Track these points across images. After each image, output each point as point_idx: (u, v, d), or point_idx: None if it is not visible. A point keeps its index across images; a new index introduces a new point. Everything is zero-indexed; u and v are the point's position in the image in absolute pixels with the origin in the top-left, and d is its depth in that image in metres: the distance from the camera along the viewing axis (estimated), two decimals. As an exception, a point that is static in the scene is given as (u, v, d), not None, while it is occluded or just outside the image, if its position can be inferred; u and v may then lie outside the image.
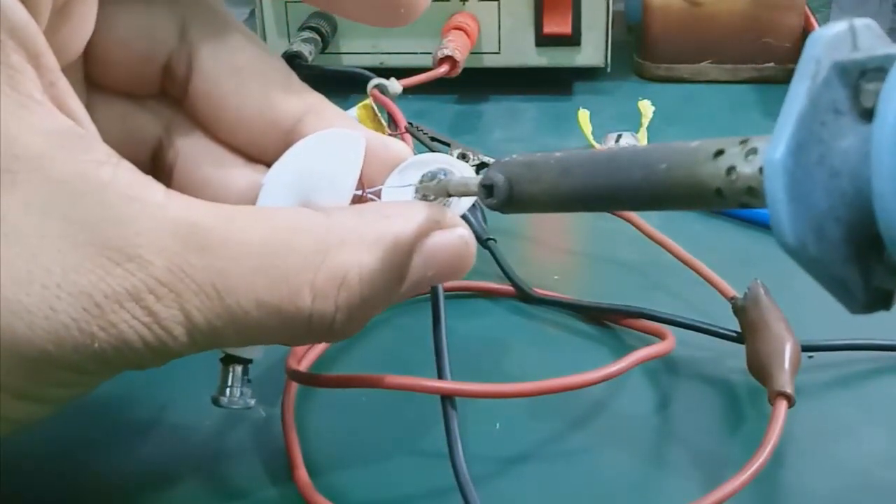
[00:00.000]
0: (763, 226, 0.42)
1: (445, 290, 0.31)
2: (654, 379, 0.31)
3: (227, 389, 0.25)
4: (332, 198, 0.24)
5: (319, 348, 0.32)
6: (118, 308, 0.20)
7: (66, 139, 0.20)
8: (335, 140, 0.25)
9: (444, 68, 0.51)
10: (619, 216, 0.38)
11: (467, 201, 0.25)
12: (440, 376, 0.28)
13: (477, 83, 0.56)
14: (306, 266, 0.21)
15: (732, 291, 0.33)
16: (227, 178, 0.26)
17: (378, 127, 0.41)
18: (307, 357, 0.32)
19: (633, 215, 0.38)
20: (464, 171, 0.25)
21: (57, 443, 0.29)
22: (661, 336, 0.32)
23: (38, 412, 0.22)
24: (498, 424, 0.29)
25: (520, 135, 0.53)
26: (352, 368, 0.32)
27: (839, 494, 0.27)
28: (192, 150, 0.27)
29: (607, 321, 0.35)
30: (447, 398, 0.27)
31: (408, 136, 0.39)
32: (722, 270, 0.34)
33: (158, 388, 0.31)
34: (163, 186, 0.21)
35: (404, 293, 0.24)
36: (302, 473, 0.27)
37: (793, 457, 0.28)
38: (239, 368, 0.25)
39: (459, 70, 0.52)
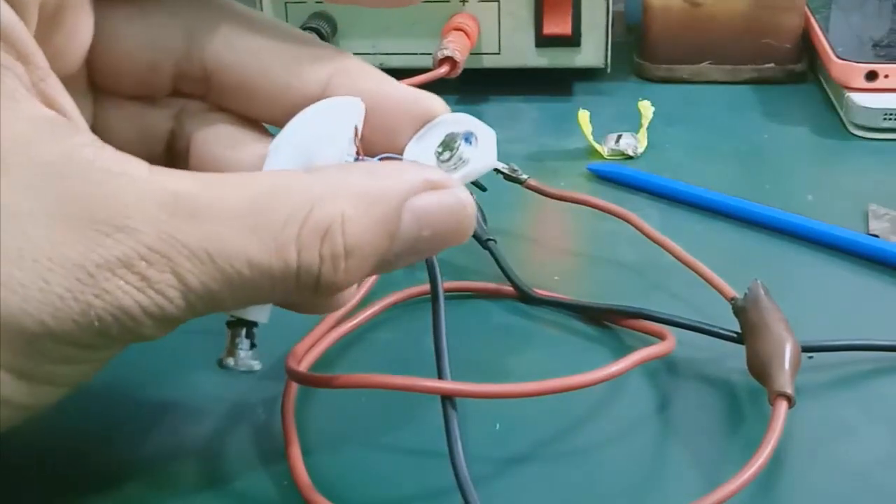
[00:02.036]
0: (763, 226, 0.42)
1: (445, 290, 0.31)
2: (654, 379, 0.31)
3: (233, 352, 0.25)
4: (329, 162, 0.24)
5: (320, 348, 0.32)
6: (111, 276, 0.20)
7: (52, 126, 0.21)
8: (335, 106, 0.25)
9: (444, 69, 0.51)
10: (619, 216, 0.38)
11: (477, 167, 0.25)
12: (440, 376, 0.28)
13: (477, 84, 0.56)
14: (291, 221, 0.22)
15: (732, 292, 0.33)
16: (243, 155, 0.27)
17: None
18: (307, 357, 0.32)
19: (633, 216, 0.38)
20: (486, 136, 0.25)
21: (56, 442, 0.29)
22: (661, 337, 0.32)
23: (44, 396, 0.22)
24: (498, 424, 0.29)
25: (520, 135, 0.53)
26: (352, 368, 0.32)
27: (839, 495, 0.27)
28: (204, 134, 0.27)
29: (607, 321, 0.35)
30: (447, 398, 0.27)
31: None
32: (722, 271, 0.34)
33: (158, 387, 0.31)
34: (146, 163, 0.22)
35: (400, 254, 0.23)
36: (302, 473, 0.27)
37: (793, 457, 0.28)
38: (245, 331, 0.25)
39: (459, 71, 0.52)
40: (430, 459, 0.28)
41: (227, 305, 0.22)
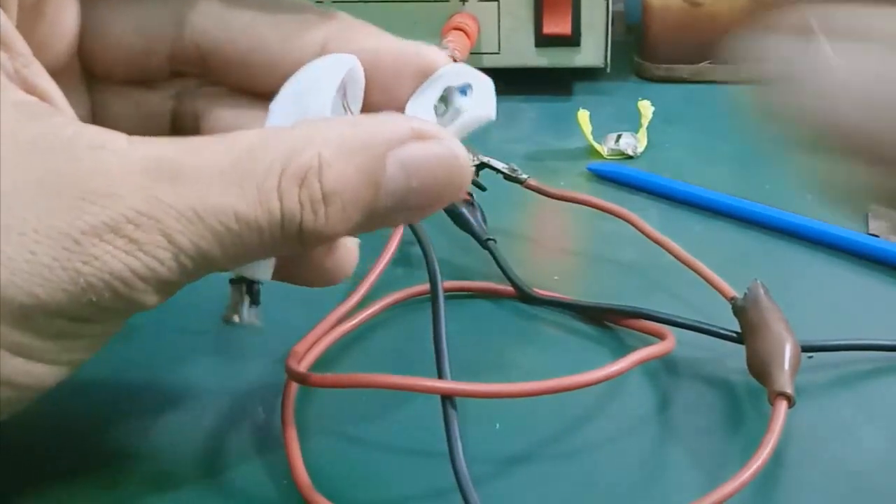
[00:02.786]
0: (763, 226, 0.42)
1: (445, 290, 0.31)
2: (654, 379, 0.31)
3: (237, 309, 0.25)
4: (316, 116, 0.24)
5: (320, 348, 0.32)
6: (98, 241, 0.21)
7: (32, 109, 0.22)
8: (324, 63, 0.25)
9: (444, 69, 0.51)
10: (619, 216, 0.38)
11: (472, 118, 0.25)
12: (440, 376, 0.28)
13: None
14: (272, 171, 0.22)
15: (732, 292, 0.33)
16: (246, 124, 0.27)
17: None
18: (307, 357, 0.31)
19: (633, 215, 0.38)
20: (483, 85, 0.25)
21: (56, 441, 0.29)
22: (660, 336, 0.32)
23: (43, 376, 0.22)
24: (498, 424, 0.29)
25: (520, 135, 0.53)
26: (352, 368, 0.32)
27: (839, 495, 0.27)
28: (207, 107, 0.28)
29: (607, 321, 0.35)
30: (447, 398, 0.27)
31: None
32: (722, 271, 0.34)
33: (158, 387, 0.31)
34: (125, 135, 0.22)
35: (391, 208, 0.23)
36: (302, 473, 0.27)
37: (792, 457, 0.28)
38: (246, 289, 0.25)
39: (459, 70, 0.52)
40: (430, 459, 0.28)
41: (219, 264, 0.22)
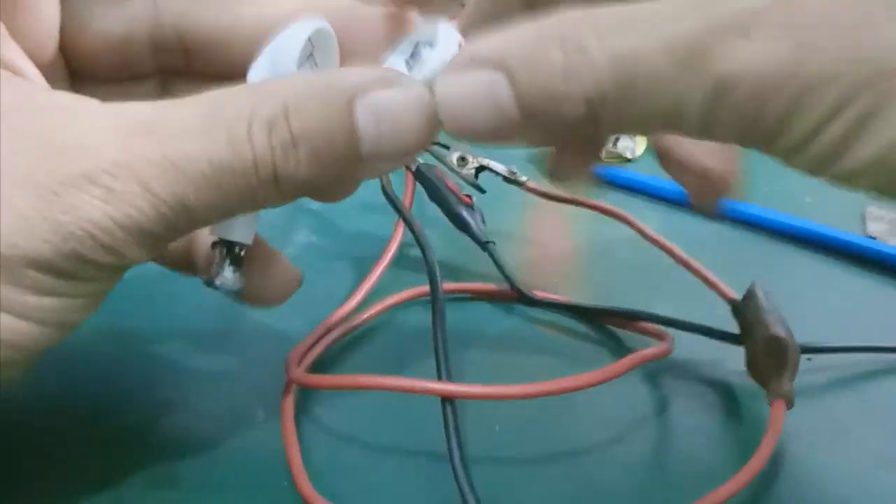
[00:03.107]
0: (762, 227, 0.42)
1: (445, 291, 0.31)
2: (654, 381, 0.31)
3: (218, 272, 0.25)
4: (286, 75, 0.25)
5: (319, 349, 0.32)
6: (75, 191, 0.21)
7: (7, 81, 0.23)
8: (298, 25, 0.26)
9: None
10: (617, 218, 0.38)
11: (434, 65, 0.25)
12: (440, 377, 0.28)
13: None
14: (241, 119, 0.22)
15: (731, 293, 0.33)
16: None
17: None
18: (307, 358, 0.32)
19: (631, 217, 0.38)
20: (447, 35, 0.25)
21: (56, 441, 0.29)
22: (660, 338, 0.32)
23: (31, 336, 0.22)
24: (497, 426, 0.29)
25: (519, 137, 0.53)
26: (351, 369, 0.32)
27: (838, 496, 0.27)
28: (193, 91, 0.28)
29: (606, 323, 0.35)
30: (447, 399, 0.27)
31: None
32: (721, 272, 0.34)
33: (158, 388, 0.31)
34: (97, 100, 0.23)
35: (368, 154, 0.23)
36: (302, 473, 0.27)
37: (791, 458, 0.28)
38: (226, 251, 0.25)
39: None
40: (430, 460, 0.28)
41: (199, 215, 0.22)
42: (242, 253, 0.26)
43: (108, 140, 0.22)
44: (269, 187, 0.22)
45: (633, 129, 0.25)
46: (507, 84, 0.21)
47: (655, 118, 0.21)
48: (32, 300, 0.22)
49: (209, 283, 0.26)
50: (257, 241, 0.27)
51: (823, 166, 0.20)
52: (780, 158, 0.21)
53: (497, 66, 0.21)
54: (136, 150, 0.21)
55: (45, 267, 0.21)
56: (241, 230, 0.25)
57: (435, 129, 0.23)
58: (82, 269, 0.22)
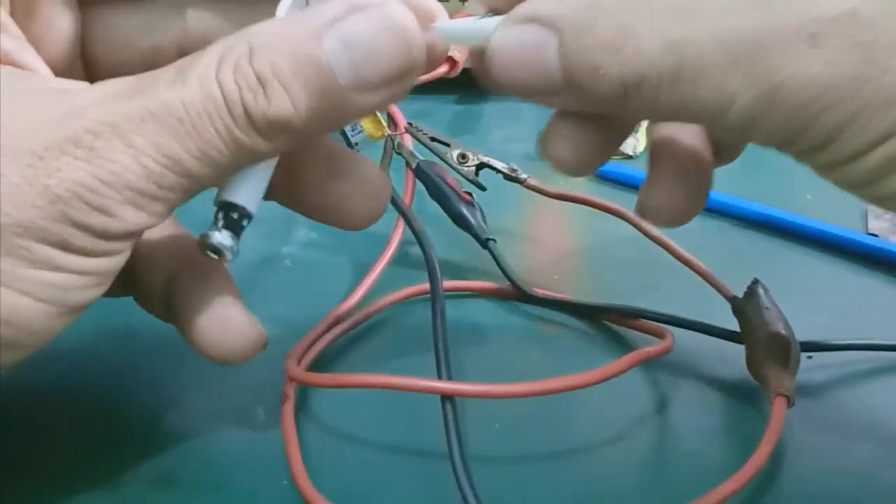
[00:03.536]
0: (763, 226, 0.42)
1: (445, 289, 0.31)
2: (654, 379, 0.31)
3: (212, 229, 0.25)
4: None
5: (319, 348, 0.32)
6: (59, 154, 0.21)
7: (3, 68, 0.23)
8: None
9: (443, 68, 0.51)
10: (618, 216, 0.38)
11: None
12: (440, 375, 0.28)
13: (477, 83, 0.56)
14: (210, 63, 0.23)
15: (732, 291, 0.33)
16: None
17: (377, 127, 0.41)
18: (306, 357, 0.32)
19: (632, 215, 0.38)
20: None
21: (56, 441, 0.29)
22: (660, 336, 0.32)
23: (31, 314, 0.22)
24: (498, 424, 0.29)
25: (519, 135, 0.53)
26: (351, 368, 0.32)
27: (838, 495, 0.27)
28: None
29: (607, 321, 0.35)
30: (447, 398, 0.27)
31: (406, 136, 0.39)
32: (721, 270, 0.34)
33: (159, 389, 0.31)
34: (81, 82, 0.23)
35: (346, 85, 0.23)
36: (302, 473, 0.27)
37: (792, 457, 0.28)
38: (224, 212, 0.25)
39: (459, 70, 0.52)
40: (430, 459, 0.28)
41: (188, 166, 0.22)
42: (244, 223, 0.25)
43: (93, 105, 0.22)
44: (248, 130, 0.23)
45: (664, 116, 0.24)
46: (555, 45, 0.21)
47: (693, 110, 0.20)
48: (29, 273, 0.22)
49: (204, 238, 0.25)
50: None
51: (862, 185, 0.20)
52: (816, 170, 0.21)
53: (549, 25, 0.21)
54: (118, 108, 0.22)
55: (38, 236, 0.21)
56: (241, 194, 0.25)
57: (421, 50, 0.23)
58: (76, 236, 0.22)
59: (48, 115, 0.22)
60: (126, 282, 0.27)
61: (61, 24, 0.26)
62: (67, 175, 0.21)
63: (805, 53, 0.19)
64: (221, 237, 0.24)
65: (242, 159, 0.23)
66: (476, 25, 0.24)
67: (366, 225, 0.28)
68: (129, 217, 0.22)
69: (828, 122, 0.19)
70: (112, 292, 0.25)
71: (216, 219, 0.25)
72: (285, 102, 0.22)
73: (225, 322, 0.26)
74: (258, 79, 0.22)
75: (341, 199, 0.27)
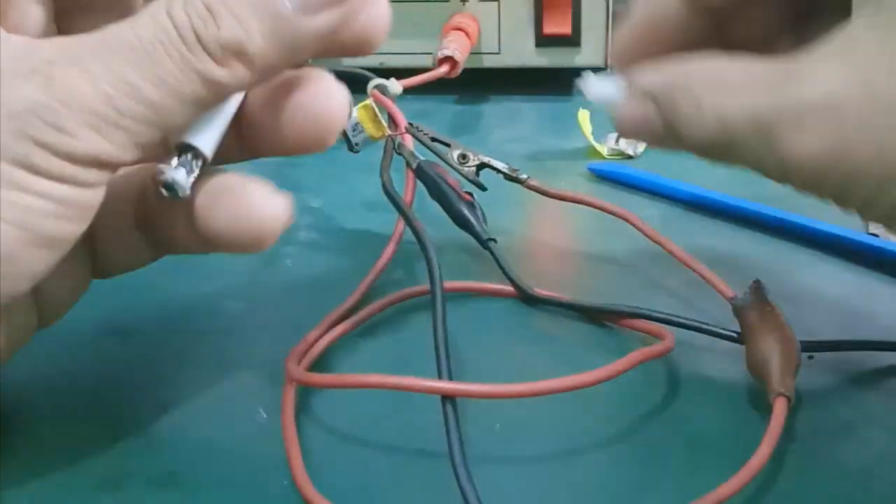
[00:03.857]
0: (763, 226, 0.42)
1: (445, 289, 0.31)
2: (654, 379, 0.31)
3: (167, 166, 0.25)
4: None
5: (319, 348, 0.32)
6: (21, 80, 0.23)
7: None
8: None
9: (444, 68, 0.51)
10: (618, 216, 0.38)
11: None
12: (440, 376, 0.28)
13: (477, 83, 0.57)
14: (159, 4, 0.24)
15: (732, 291, 0.33)
16: None
17: (378, 127, 0.41)
18: (307, 357, 0.32)
19: (633, 215, 0.38)
20: None
21: (56, 441, 0.29)
22: (660, 336, 0.32)
23: (16, 241, 0.23)
24: (498, 425, 0.29)
25: (520, 135, 0.53)
26: (351, 368, 0.32)
27: (839, 495, 0.27)
28: None
29: (607, 321, 0.35)
30: (447, 398, 0.27)
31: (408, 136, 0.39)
32: (721, 270, 0.34)
33: (159, 389, 0.31)
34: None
35: (294, 6, 0.24)
36: (302, 473, 0.27)
37: (792, 457, 0.28)
38: (181, 153, 0.25)
39: (459, 70, 0.52)
40: (430, 459, 0.28)
41: (144, 91, 0.23)
42: (196, 163, 0.25)
43: (51, 43, 0.23)
44: (202, 56, 0.23)
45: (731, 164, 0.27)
46: (656, 114, 0.25)
47: (747, 165, 0.25)
48: (6, 194, 0.22)
49: (161, 173, 0.25)
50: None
51: (893, 220, 0.24)
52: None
53: (651, 99, 0.25)
54: (75, 42, 0.23)
55: (8, 156, 0.22)
56: (198, 136, 0.25)
57: None
58: (38, 154, 0.22)
59: (9, 52, 0.23)
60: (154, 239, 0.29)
61: (32, 26, 0.27)
62: (27, 95, 0.22)
63: (796, 134, 0.23)
64: (175, 173, 0.25)
65: (205, 92, 0.24)
66: (611, 90, 0.28)
67: (314, 148, 0.27)
68: (91, 140, 0.23)
69: (830, 187, 0.24)
70: (142, 256, 0.29)
71: (171, 157, 0.25)
72: (236, 27, 0.23)
73: (252, 195, 0.26)
74: (207, 9, 0.23)
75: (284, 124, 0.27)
